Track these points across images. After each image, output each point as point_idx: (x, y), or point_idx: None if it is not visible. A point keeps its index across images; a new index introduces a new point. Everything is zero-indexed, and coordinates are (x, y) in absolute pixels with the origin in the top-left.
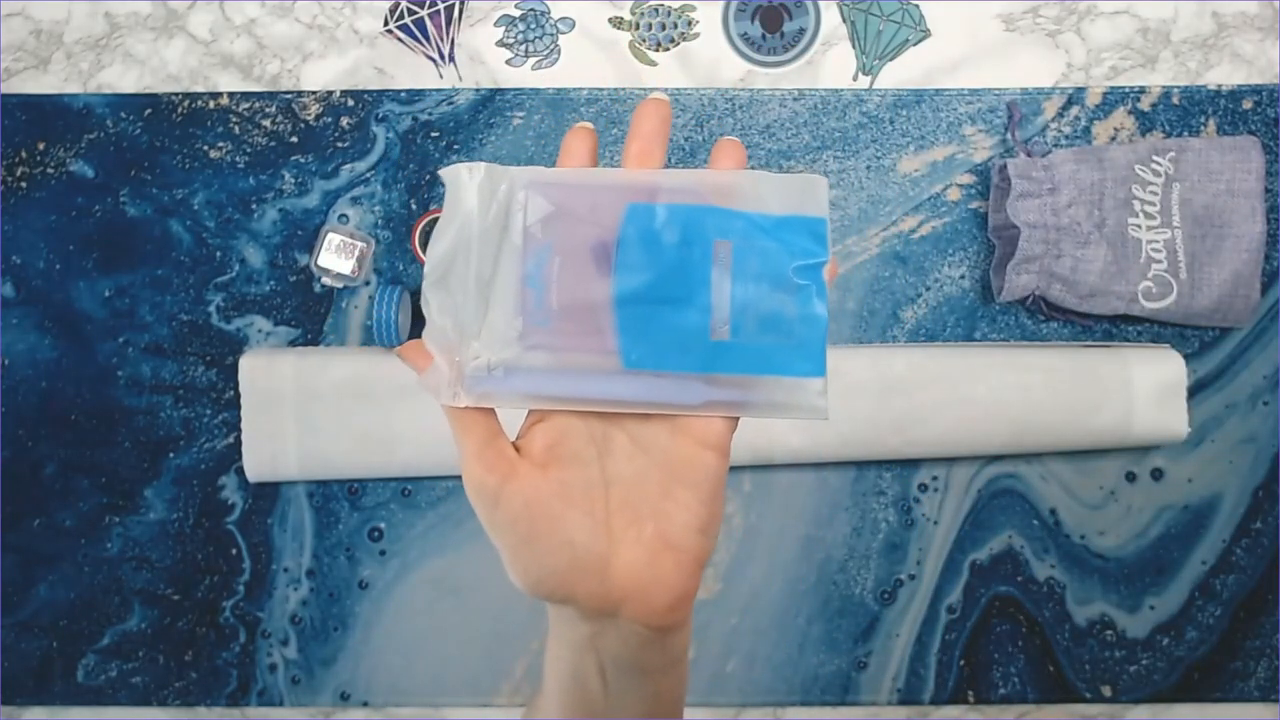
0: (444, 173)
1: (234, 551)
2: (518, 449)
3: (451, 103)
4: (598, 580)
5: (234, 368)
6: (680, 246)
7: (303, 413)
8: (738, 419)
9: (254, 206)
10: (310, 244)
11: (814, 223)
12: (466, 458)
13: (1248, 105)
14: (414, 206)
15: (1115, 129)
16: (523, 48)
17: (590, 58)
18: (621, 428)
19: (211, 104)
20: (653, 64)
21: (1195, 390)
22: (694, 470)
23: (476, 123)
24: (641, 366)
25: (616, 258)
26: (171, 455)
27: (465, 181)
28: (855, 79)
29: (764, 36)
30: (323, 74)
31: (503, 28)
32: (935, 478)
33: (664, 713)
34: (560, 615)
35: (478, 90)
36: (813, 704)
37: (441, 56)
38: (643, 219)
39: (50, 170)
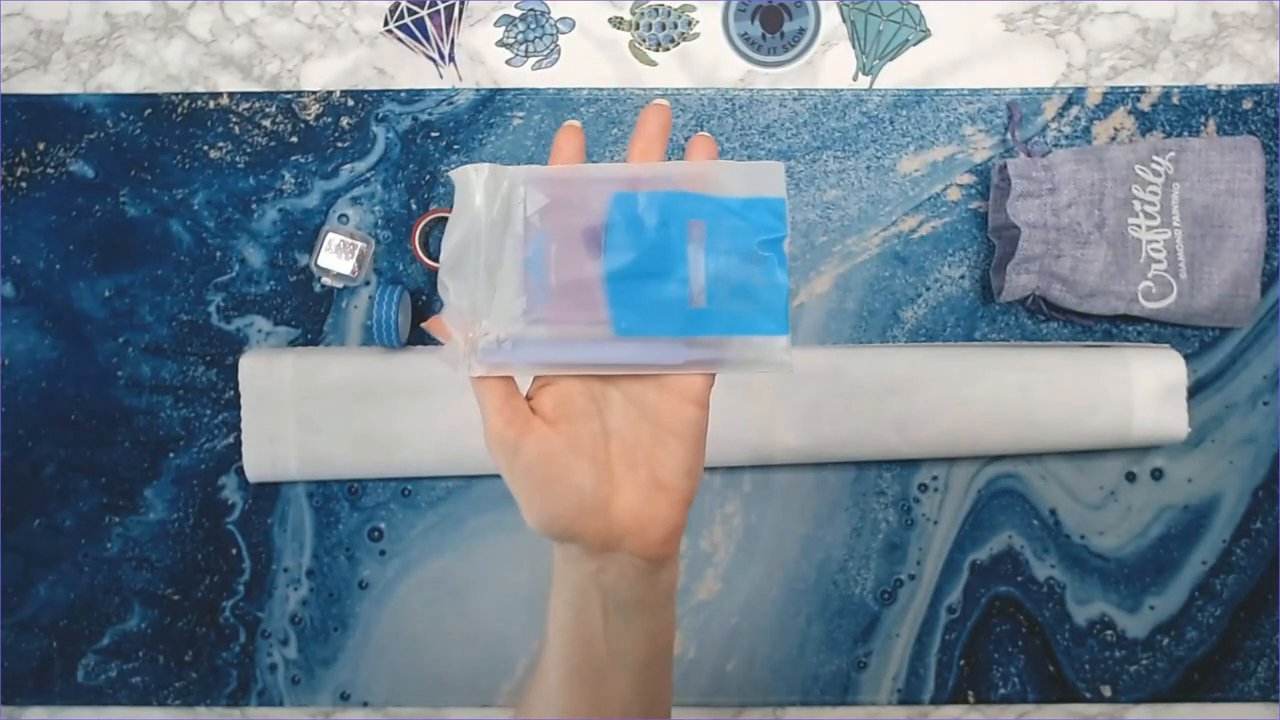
0: (453, 174)
1: (234, 551)
2: (531, 409)
3: (451, 103)
4: (602, 519)
5: (234, 368)
6: (660, 228)
7: (303, 413)
8: (714, 375)
9: (254, 206)
10: (310, 244)
11: (774, 203)
12: (488, 414)
13: (1248, 105)
14: (414, 206)
15: (1115, 129)
16: (523, 48)
17: (590, 58)
18: (617, 387)
19: (211, 104)
20: (653, 64)
21: (1195, 390)
22: (679, 422)
23: (476, 123)
24: (630, 333)
25: (605, 240)
26: (171, 455)
27: (472, 180)
28: (855, 79)
29: (764, 36)
30: (323, 74)
31: (503, 28)
32: (935, 478)
33: (656, 655)
34: (567, 556)
35: (478, 90)
36: (813, 704)
37: (441, 56)
38: (627, 206)
39: (50, 170)
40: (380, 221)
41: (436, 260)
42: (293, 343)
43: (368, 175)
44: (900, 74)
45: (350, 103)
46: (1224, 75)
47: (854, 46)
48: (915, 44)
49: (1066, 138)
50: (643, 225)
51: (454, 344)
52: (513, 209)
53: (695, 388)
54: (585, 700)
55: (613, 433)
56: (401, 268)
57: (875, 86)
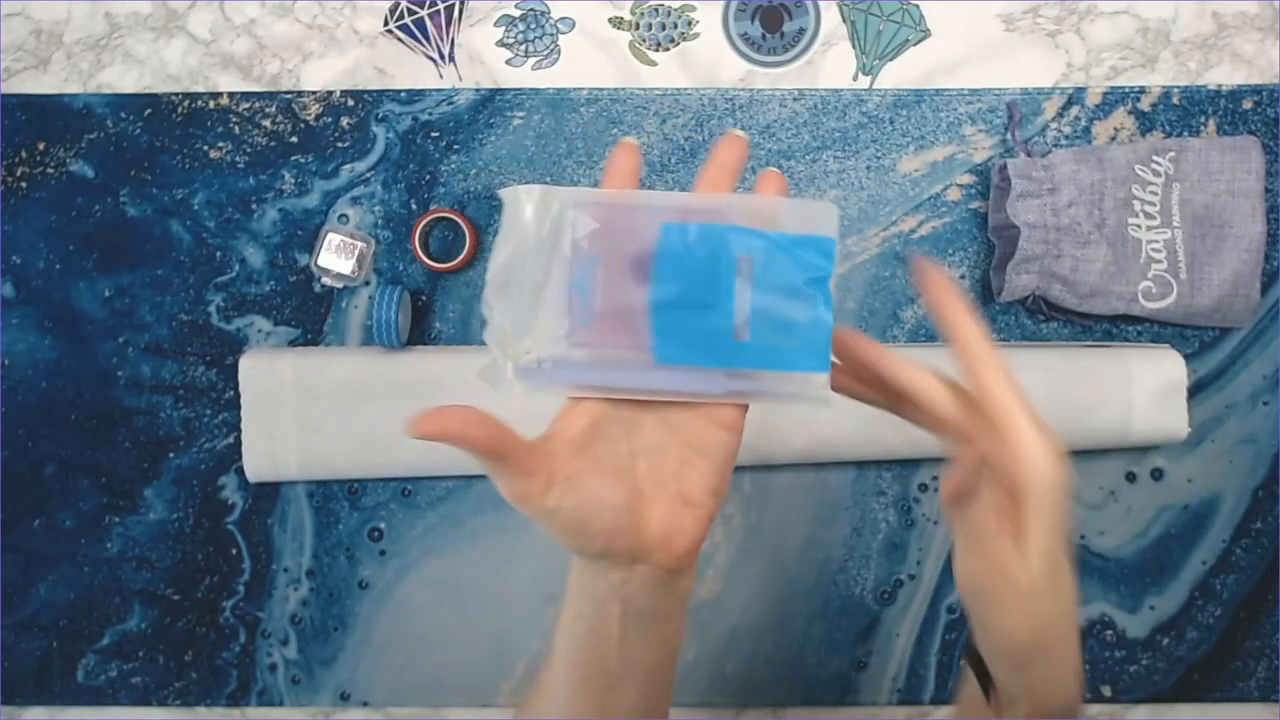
0: (503, 193)
1: (234, 551)
2: (554, 433)
3: (451, 103)
4: (635, 534)
5: (234, 368)
6: (708, 260)
7: (303, 413)
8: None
9: (254, 206)
10: (310, 244)
11: (824, 242)
12: (505, 478)
13: (1248, 105)
14: (414, 206)
15: (1115, 129)
16: (523, 48)
17: (590, 58)
18: (648, 409)
19: (211, 104)
20: (653, 64)
21: (1195, 390)
22: (711, 445)
23: (476, 123)
24: (672, 362)
25: (653, 269)
26: (171, 455)
27: (523, 201)
28: (855, 79)
29: (764, 36)
30: (323, 74)
31: (503, 28)
32: (935, 478)
33: (664, 662)
34: (590, 570)
35: (478, 90)
36: (813, 704)
37: (441, 56)
38: (676, 236)
39: (50, 170)
40: (380, 221)
41: (436, 260)
42: (293, 343)
43: (368, 175)
44: (900, 74)
45: (350, 103)
46: (1224, 75)
47: (854, 46)
48: (915, 44)
49: (1066, 138)
50: (691, 256)
51: (495, 363)
52: (561, 232)
53: (729, 414)
54: (591, 709)
55: (640, 451)
56: (401, 268)
57: (875, 86)
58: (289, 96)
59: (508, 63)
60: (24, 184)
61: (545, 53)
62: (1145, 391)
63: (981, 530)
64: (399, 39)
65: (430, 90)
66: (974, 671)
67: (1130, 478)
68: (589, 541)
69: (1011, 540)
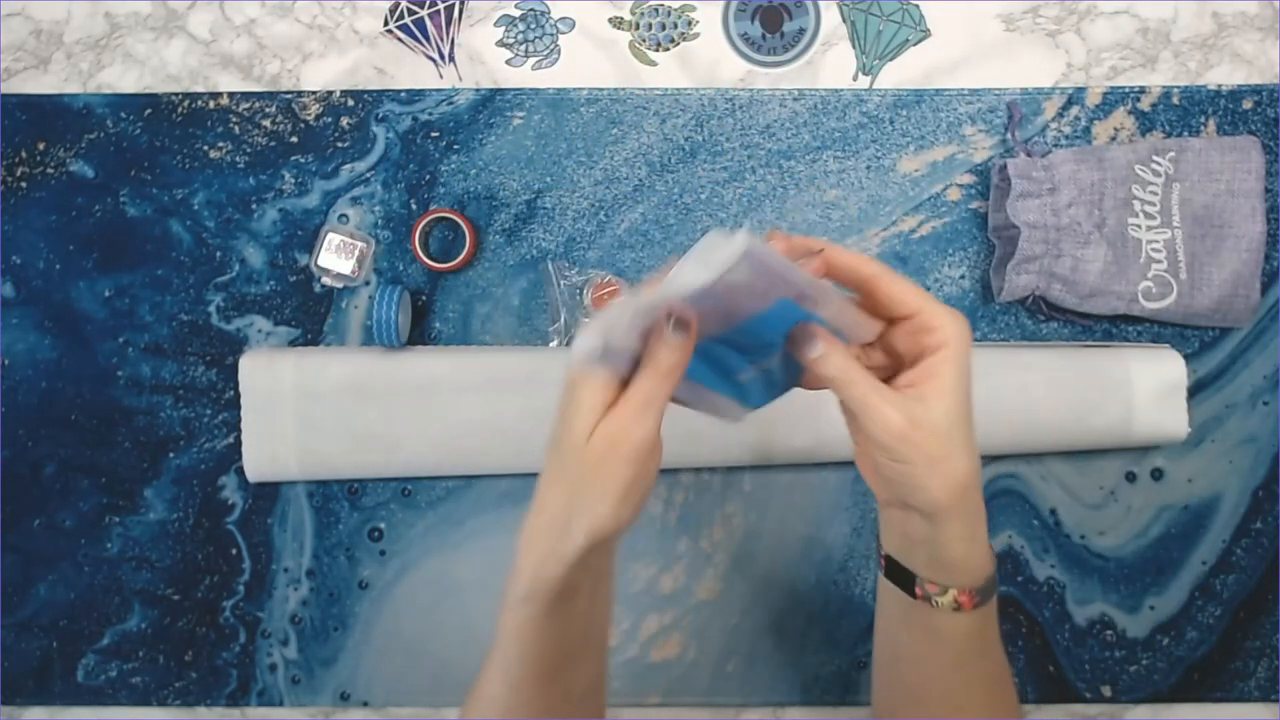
0: (743, 240)
1: (234, 551)
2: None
3: (451, 103)
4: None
5: (234, 368)
6: (781, 334)
7: (303, 413)
8: None
9: (254, 206)
10: (310, 244)
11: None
12: (639, 416)
13: (1248, 105)
14: (414, 206)
15: (1115, 129)
16: (523, 48)
17: (590, 58)
18: None
19: (211, 104)
20: (653, 64)
21: (1195, 390)
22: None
23: (476, 123)
24: (689, 378)
25: (744, 323)
26: (171, 455)
27: (737, 245)
28: (855, 79)
29: (764, 36)
30: (323, 74)
31: (503, 28)
32: None
33: (608, 624)
34: (602, 563)
35: (478, 90)
36: (813, 704)
37: (441, 56)
38: (782, 313)
39: (50, 170)
40: (380, 221)
41: (436, 260)
42: (293, 343)
43: (368, 175)
44: (900, 74)
45: (350, 103)
46: (1224, 75)
47: (854, 46)
48: (915, 44)
49: (1066, 138)
50: (780, 329)
51: (584, 344)
52: (715, 267)
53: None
54: (556, 693)
55: None
56: (401, 268)
57: (875, 86)
58: (289, 96)
59: (508, 63)
60: (24, 184)
61: (545, 53)
62: (1145, 391)
63: (905, 385)
64: (399, 39)
65: (430, 90)
66: (893, 579)
67: (1130, 478)
68: (641, 500)
69: (933, 383)
